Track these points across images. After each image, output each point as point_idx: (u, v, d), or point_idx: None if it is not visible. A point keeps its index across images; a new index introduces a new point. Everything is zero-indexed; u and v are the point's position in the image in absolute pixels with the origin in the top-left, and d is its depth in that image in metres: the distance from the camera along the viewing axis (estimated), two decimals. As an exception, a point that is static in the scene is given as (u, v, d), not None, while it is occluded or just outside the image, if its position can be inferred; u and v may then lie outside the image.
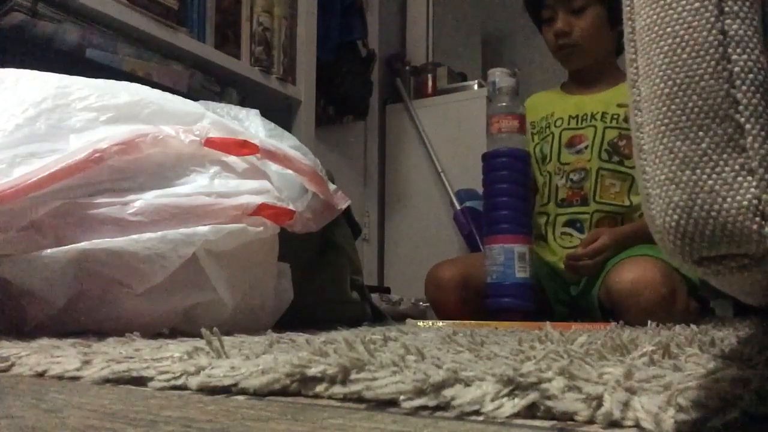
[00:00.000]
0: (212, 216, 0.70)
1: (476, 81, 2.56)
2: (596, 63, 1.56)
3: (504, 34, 3.34)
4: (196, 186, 0.73)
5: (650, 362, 0.41)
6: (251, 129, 0.86)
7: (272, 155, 0.80)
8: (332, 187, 0.90)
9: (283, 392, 0.35)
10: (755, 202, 0.24)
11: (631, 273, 1.24)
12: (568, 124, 1.58)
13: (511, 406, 0.29)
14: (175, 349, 0.47)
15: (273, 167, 0.81)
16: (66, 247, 0.64)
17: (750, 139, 0.24)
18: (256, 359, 0.40)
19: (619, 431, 0.26)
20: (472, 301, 1.40)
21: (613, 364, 0.38)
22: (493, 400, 0.29)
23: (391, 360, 0.38)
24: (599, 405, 0.28)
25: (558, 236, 1.56)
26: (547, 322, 0.89)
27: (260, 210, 0.74)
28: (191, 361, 0.41)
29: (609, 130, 1.51)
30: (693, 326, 0.89)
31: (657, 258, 1.25)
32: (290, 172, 0.82)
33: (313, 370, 0.35)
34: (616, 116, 1.50)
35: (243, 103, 1.56)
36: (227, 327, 0.69)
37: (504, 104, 1.46)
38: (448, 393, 0.31)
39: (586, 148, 1.54)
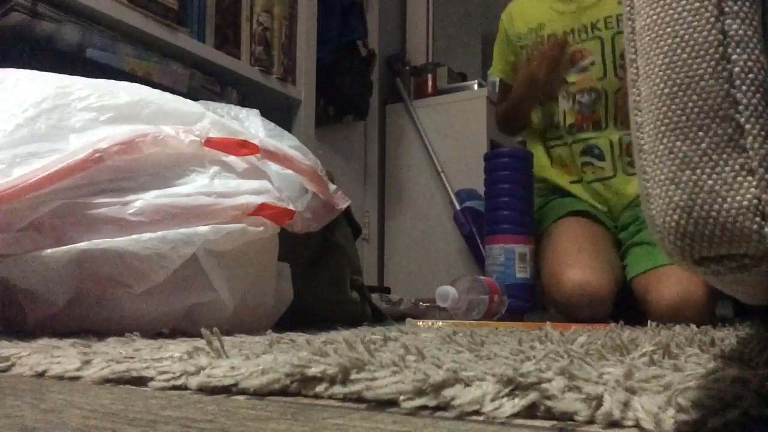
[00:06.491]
0: (212, 216, 0.70)
1: (476, 81, 2.57)
2: None
3: (504, 34, 3.33)
4: (196, 186, 0.73)
5: (650, 362, 0.41)
6: (251, 129, 0.86)
7: (272, 155, 0.80)
8: (332, 187, 0.90)
9: (283, 392, 0.35)
10: (755, 202, 0.24)
11: (674, 290, 1.15)
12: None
13: (511, 406, 0.29)
14: (175, 349, 0.47)
15: (273, 167, 0.81)
16: (66, 247, 0.64)
17: (750, 139, 0.24)
18: (256, 359, 0.40)
19: (619, 431, 0.26)
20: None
21: (613, 364, 0.38)
22: (493, 400, 0.29)
23: (391, 360, 0.38)
24: (599, 405, 0.28)
25: (581, 169, 1.45)
26: (547, 322, 0.89)
27: (260, 210, 0.74)
28: (191, 361, 0.41)
29: (619, 36, 1.33)
30: (693, 326, 0.89)
31: None
32: (290, 172, 0.82)
33: (313, 370, 0.35)
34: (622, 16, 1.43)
35: (243, 103, 1.56)
36: (227, 327, 0.69)
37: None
38: (448, 393, 0.31)
39: (592, 64, 1.39)
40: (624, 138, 1.39)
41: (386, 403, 0.32)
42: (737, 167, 0.24)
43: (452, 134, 2.42)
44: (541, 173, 1.53)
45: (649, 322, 0.97)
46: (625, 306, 1.31)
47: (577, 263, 1.28)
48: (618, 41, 1.35)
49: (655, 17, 0.26)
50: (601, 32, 1.38)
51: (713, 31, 0.25)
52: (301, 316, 0.90)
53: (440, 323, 1.12)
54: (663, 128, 0.25)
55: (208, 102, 0.90)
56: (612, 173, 1.43)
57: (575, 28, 1.41)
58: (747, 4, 0.25)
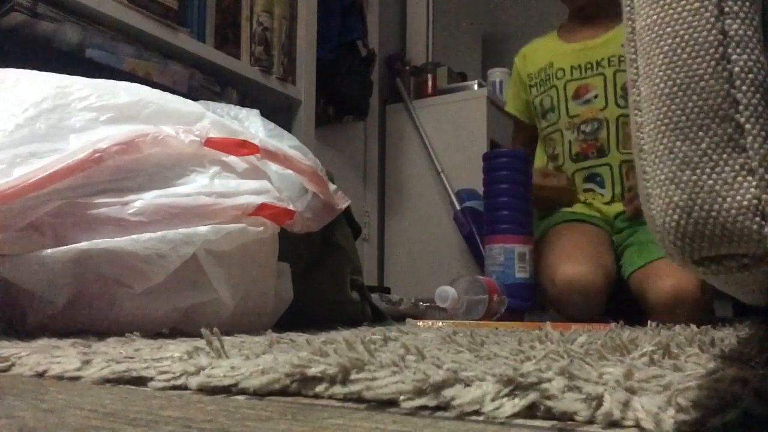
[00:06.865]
0: (212, 216, 0.70)
1: (476, 81, 2.56)
2: None
3: (504, 34, 3.34)
4: (196, 186, 0.73)
5: (650, 362, 0.41)
6: (251, 129, 0.86)
7: (272, 155, 0.80)
8: (332, 187, 0.90)
9: (283, 392, 0.35)
10: (755, 202, 0.24)
11: (671, 280, 1.19)
12: (571, 75, 1.53)
13: (511, 406, 0.29)
14: (175, 349, 0.47)
15: (273, 167, 0.81)
16: (66, 247, 0.64)
17: (750, 139, 0.24)
18: (256, 359, 0.40)
19: (619, 431, 0.26)
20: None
21: (613, 364, 0.37)
22: (493, 400, 0.29)
23: (391, 360, 0.38)
24: (599, 405, 0.28)
25: (582, 193, 1.54)
26: (547, 322, 0.89)
27: (260, 210, 0.74)
28: (191, 361, 0.41)
29: (620, 73, 1.45)
30: (693, 326, 0.89)
31: None
32: (290, 172, 0.82)
33: (313, 370, 0.35)
34: (624, 58, 1.49)
35: (243, 103, 1.56)
36: (227, 327, 0.69)
37: None
38: (448, 393, 0.31)
39: (595, 97, 1.49)
40: (624, 164, 1.49)
41: (386, 403, 0.32)
42: (737, 167, 0.24)
43: (452, 134, 2.42)
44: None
45: (649, 322, 0.97)
46: (624, 306, 1.32)
47: (569, 258, 1.33)
48: (619, 77, 1.46)
49: (655, 17, 0.26)
50: (605, 69, 1.49)
51: (713, 31, 0.25)
52: (301, 316, 0.90)
53: (440, 323, 1.12)
54: (663, 128, 0.25)
55: (208, 102, 0.90)
56: (610, 199, 1.52)
57: (581, 64, 1.52)
58: (747, 4, 0.25)
